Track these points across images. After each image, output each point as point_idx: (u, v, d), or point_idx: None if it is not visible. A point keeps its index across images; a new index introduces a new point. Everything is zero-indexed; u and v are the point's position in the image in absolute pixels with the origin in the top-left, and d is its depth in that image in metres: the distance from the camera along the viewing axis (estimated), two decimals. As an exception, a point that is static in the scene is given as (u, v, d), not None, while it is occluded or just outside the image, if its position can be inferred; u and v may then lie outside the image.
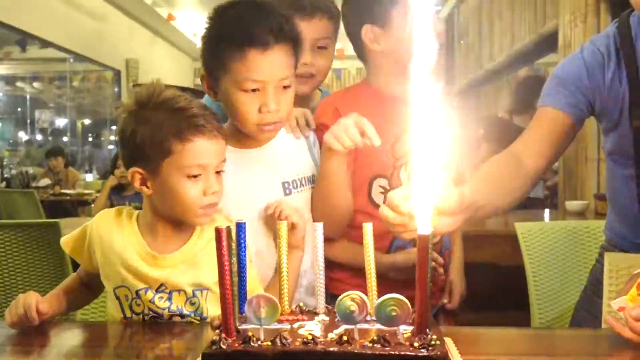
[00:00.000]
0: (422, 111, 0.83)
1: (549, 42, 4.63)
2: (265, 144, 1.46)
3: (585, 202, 3.38)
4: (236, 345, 0.86)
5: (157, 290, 1.23)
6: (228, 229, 0.93)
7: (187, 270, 1.25)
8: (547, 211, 3.72)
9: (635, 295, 1.10)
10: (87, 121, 12.34)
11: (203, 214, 1.25)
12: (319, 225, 1.03)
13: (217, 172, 1.27)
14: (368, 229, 1.02)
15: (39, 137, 11.63)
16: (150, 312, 1.24)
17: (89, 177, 7.65)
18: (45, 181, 6.63)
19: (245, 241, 1.01)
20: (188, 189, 1.22)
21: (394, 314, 0.86)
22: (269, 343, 0.86)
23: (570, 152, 3.97)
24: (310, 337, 0.86)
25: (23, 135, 11.49)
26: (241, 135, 1.43)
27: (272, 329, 0.92)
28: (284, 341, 0.86)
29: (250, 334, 0.87)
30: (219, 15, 1.39)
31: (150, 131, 1.22)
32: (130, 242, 1.26)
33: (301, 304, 1.05)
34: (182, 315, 1.25)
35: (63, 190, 6.20)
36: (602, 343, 1.13)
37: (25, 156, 9.19)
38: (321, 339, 0.87)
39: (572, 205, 3.38)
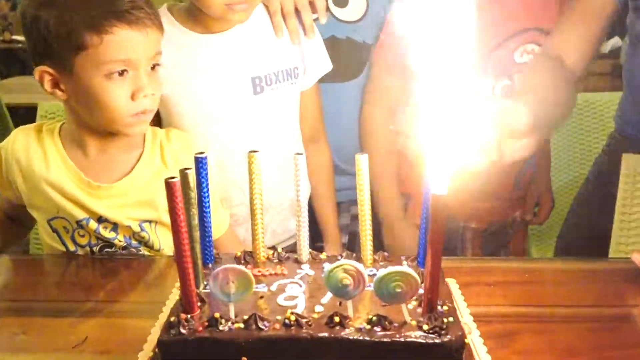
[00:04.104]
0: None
1: None
2: (232, 27, 1.18)
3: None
4: (200, 329, 0.69)
5: (98, 221, 1.03)
6: (184, 175, 0.72)
7: (132, 204, 1.04)
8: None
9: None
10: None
11: (135, 122, 1.01)
12: (301, 157, 0.82)
13: (153, 68, 1.01)
14: (362, 159, 0.81)
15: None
16: (100, 242, 1.05)
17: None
18: (-7, 27, 6.07)
19: (207, 180, 0.80)
20: (111, 92, 0.97)
21: (398, 290, 0.68)
22: (242, 325, 0.69)
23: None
24: (293, 318, 0.69)
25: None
26: (202, 16, 1.15)
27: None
28: (260, 324, 0.69)
29: (217, 315, 0.69)
30: None
31: (56, 18, 0.94)
32: (56, 164, 1.03)
33: (280, 250, 0.87)
34: (133, 247, 1.07)
35: (14, 37, 5.68)
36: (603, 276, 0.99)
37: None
38: (306, 319, 0.69)
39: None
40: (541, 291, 0.94)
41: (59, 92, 1.00)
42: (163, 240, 1.08)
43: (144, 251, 1.08)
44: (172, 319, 0.69)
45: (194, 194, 0.75)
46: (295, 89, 1.26)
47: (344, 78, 1.43)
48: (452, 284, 0.92)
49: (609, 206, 1.29)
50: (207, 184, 0.80)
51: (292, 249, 1.31)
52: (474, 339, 0.78)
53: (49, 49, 0.96)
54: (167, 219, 1.05)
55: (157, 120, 1.22)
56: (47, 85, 1.00)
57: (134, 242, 1.07)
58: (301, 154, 0.81)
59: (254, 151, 0.82)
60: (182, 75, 1.14)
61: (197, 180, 0.79)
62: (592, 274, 0.99)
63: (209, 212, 0.82)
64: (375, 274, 0.81)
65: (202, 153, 0.80)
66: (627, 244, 1.28)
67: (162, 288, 0.96)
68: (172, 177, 0.68)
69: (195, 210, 0.76)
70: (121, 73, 0.97)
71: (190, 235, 0.73)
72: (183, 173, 0.73)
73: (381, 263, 0.85)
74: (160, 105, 1.19)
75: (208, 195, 0.81)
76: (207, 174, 0.80)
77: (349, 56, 1.43)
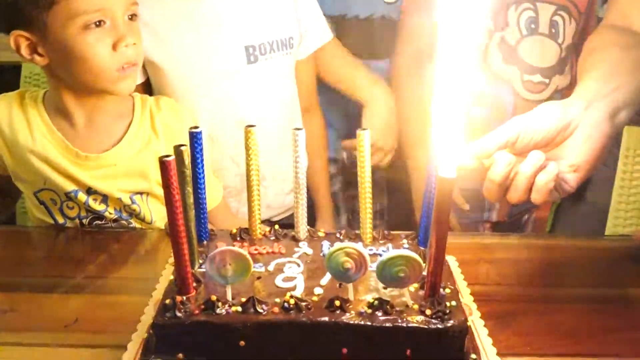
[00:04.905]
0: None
1: None
2: None
3: None
4: (196, 312, 0.66)
5: (88, 193, 1.00)
6: (179, 152, 0.69)
7: (122, 175, 1.01)
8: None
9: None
10: None
11: (120, 77, 0.96)
12: (300, 132, 0.78)
13: (131, 19, 0.97)
14: (365, 135, 0.78)
15: None
16: (90, 214, 1.01)
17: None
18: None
19: (202, 156, 0.77)
20: (91, 44, 0.93)
21: (402, 274, 0.66)
22: (239, 309, 0.66)
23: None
24: (292, 301, 0.67)
25: None
26: None
27: (241, 274, 0.72)
28: (258, 307, 0.66)
29: (214, 297, 0.67)
30: None
31: None
32: (41, 133, 0.99)
33: (277, 227, 0.84)
34: (123, 219, 1.04)
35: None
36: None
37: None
38: (306, 302, 0.67)
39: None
40: (541, 270, 0.92)
41: (37, 58, 0.96)
42: (155, 213, 1.05)
43: (135, 224, 1.05)
44: (167, 301, 0.67)
45: (188, 172, 0.72)
46: (290, 59, 1.22)
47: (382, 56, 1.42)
48: (452, 261, 0.90)
49: (609, 181, 1.27)
50: (202, 160, 0.77)
51: (287, 222, 1.30)
52: (475, 321, 0.77)
53: (20, 11, 0.92)
54: (158, 191, 1.02)
55: (148, 91, 1.18)
56: (25, 51, 0.95)
57: (124, 215, 1.04)
58: (301, 129, 0.78)
59: (251, 126, 0.78)
60: (172, 40, 1.09)
61: (192, 156, 0.76)
62: (591, 252, 0.98)
63: (204, 188, 0.79)
64: (375, 253, 0.80)
65: (196, 127, 0.76)
66: (625, 218, 1.27)
67: (154, 263, 0.94)
68: (167, 156, 0.64)
69: (190, 189, 0.73)
70: (98, 24, 0.93)
71: (185, 214, 0.71)
72: (178, 150, 0.70)
73: (381, 241, 0.83)
74: (151, 72, 1.15)
75: (203, 171, 0.78)
76: (202, 149, 0.77)
77: (386, 34, 1.42)
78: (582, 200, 1.36)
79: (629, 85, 0.86)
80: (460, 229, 1.37)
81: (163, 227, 1.03)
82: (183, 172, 0.71)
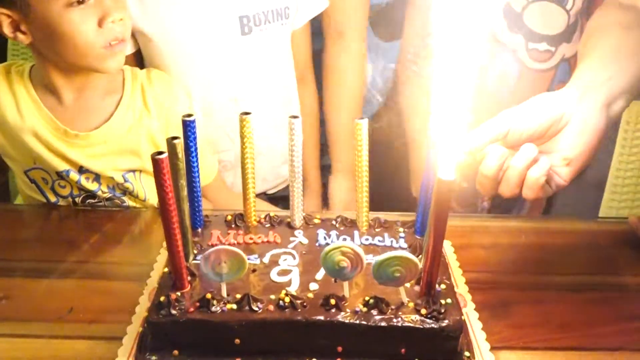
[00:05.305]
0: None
1: None
2: None
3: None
4: (191, 309, 0.66)
5: (79, 172, 0.98)
6: (172, 145, 0.67)
7: (114, 153, 0.99)
8: None
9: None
10: None
11: (108, 54, 0.93)
12: (297, 121, 0.76)
13: None
14: (362, 124, 0.77)
15: None
16: (82, 192, 1.00)
17: None
18: None
19: (196, 145, 0.75)
20: (75, 22, 0.89)
21: (397, 274, 0.66)
22: (234, 306, 0.66)
23: None
24: (287, 299, 0.66)
25: None
26: None
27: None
28: (253, 305, 0.66)
29: (209, 295, 0.66)
30: None
31: None
32: (29, 110, 0.96)
33: (272, 214, 0.83)
34: (117, 197, 1.02)
35: None
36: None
37: None
38: (301, 299, 0.67)
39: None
40: (536, 255, 0.92)
41: (21, 36, 0.92)
42: (148, 190, 1.03)
43: (128, 201, 1.04)
44: (161, 298, 0.67)
45: (182, 165, 0.70)
46: (286, 29, 1.17)
47: None
48: (447, 246, 0.90)
49: (609, 153, 1.26)
50: (196, 149, 0.75)
51: (282, 194, 1.29)
52: (469, 313, 0.77)
53: None
54: (151, 168, 1.00)
55: (140, 62, 1.14)
56: (7, 29, 0.91)
57: (118, 193, 1.02)
58: (297, 117, 0.75)
59: (246, 113, 0.76)
60: (162, 10, 1.05)
61: (185, 145, 0.74)
62: (585, 236, 0.96)
63: (198, 177, 0.77)
64: (371, 243, 0.80)
65: (190, 116, 0.74)
66: (622, 193, 1.27)
67: (149, 244, 0.93)
68: (160, 153, 0.63)
69: (184, 182, 0.71)
70: (81, 0, 0.89)
71: (179, 208, 0.69)
72: (171, 143, 0.68)
73: (377, 229, 0.82)
74: (142, 43, 1.11)
75: (197, 159, 0.76)
76: (195, 138, 0.75)
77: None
78: (582, 173, 1.35)
79: (627, 72, 0.84)
80: (459, 209, 1.36)
81: (156, 205, 1.01)
82: (176, 165, 0.69)
